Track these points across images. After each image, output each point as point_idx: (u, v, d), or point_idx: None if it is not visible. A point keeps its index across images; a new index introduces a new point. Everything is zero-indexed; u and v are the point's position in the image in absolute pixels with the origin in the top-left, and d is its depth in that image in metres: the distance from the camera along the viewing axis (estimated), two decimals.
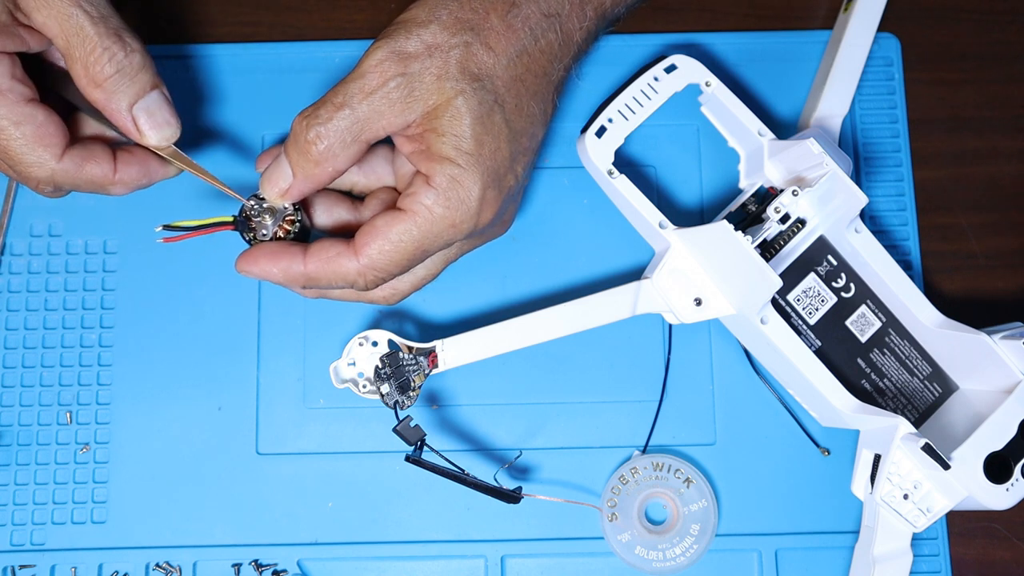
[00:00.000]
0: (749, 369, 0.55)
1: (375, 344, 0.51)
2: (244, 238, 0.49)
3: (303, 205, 0.50)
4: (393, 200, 0.51)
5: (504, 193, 0.48)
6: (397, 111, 0.45)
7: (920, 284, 0.57)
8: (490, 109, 0.46)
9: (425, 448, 0.49)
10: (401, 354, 0.50)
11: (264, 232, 0.49)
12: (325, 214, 0.51)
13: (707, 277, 0.51)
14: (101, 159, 0.48)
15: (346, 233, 0.51)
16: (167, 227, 0.49)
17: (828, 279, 0.54)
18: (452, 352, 0.51)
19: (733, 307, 0.51)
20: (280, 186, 0.47)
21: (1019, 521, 0.55)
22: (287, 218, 0.49)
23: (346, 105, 0.45)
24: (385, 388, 0.50)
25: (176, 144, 0.48)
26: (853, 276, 0.54)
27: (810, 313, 0.53)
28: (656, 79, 0.53)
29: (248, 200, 0.49)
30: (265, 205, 0.49)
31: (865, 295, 0.54)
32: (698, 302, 0.51)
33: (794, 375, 0.52)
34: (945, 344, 0.53)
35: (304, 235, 0.50)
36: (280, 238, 0.49)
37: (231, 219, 0.50)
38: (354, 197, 0.53)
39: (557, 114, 0.57)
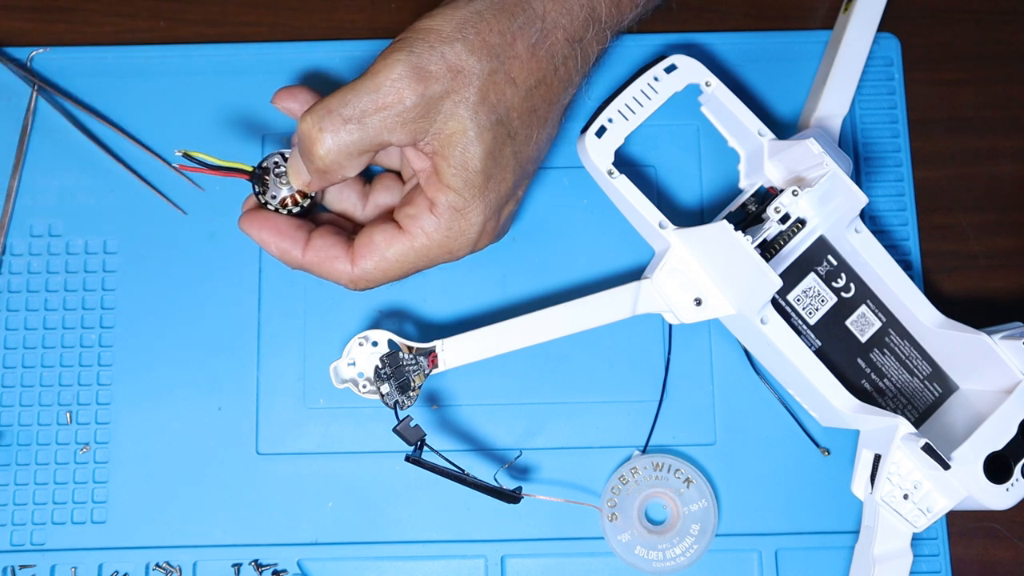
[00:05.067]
0: (749, 369, 0.55)
1: (375, 344, 0.51)
2: (255, 190, 0.50)
3: None
4: (399, 191, 0.51)
5: (503, 219, 0.49)
6: (408, 129, 0.45)
7: (920, 284, 0.57)
8: (502, 143, 0.46)
9: (425, 448, 0.49)
10: (401, 354, 0.50)
11: (274, 194, 0.50)
12: (336, 199, 0.52)
13: (707, 277, 0.51)
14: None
15: (350, 220, 0.52)
16: (187, 155, 0.49)
17: (828, 279, 0.54)
18: (452, 352, 0.51)
19: (733, 307, 0.51)
20: (303, 178, 0.49)
21: (1019, 521, 0.55)
22: (300, 191, 0.50)
23: (354, 119, 0.44)
24: (385, 388, 0.50)
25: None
26: (853, 276, 0.54)
27: (810, 313, 0.53)
28: (656, 79, 0.53)
29: (273, 156, 0.50)
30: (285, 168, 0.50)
31: (865, 295, 0.54)
32: (698, 302, 0.51)
33: (794, 375, 0.51)
34: (945, 344, 0.53)
35: (312, 208, 0.51)
36: (287, 205, 0.50)
37: (250, 169, 0.50)
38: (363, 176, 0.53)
39: None
